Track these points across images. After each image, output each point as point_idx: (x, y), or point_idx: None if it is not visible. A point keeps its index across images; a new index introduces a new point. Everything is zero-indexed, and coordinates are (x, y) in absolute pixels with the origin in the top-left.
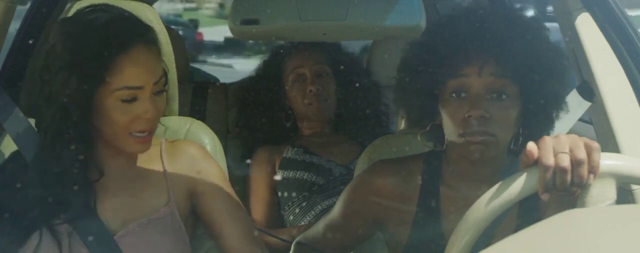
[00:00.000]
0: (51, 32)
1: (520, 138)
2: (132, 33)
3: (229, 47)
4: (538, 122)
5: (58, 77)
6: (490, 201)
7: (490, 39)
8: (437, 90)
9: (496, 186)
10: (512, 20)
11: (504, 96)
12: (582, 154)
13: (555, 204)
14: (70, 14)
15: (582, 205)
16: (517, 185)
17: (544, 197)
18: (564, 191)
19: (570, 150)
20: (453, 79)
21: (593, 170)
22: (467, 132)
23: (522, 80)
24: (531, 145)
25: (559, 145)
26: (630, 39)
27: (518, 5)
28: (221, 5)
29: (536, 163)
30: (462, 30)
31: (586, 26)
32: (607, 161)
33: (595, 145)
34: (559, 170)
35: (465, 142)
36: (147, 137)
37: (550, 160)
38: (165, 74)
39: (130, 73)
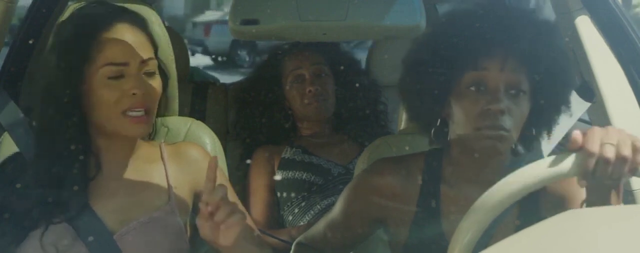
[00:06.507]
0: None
1: (526, 137)
2: (116, 14)
3: None
4: (542, 122)
5: (48, 61)
6: (507, 186)
7: (513, 34)
8: (451, 83)
9: (514, 173)
10: (531, 16)
11: (521, 93)
12: (627, 151)
13: (595, 193)
14: (69, 13)
15: None
16: (550, 168)
17: (581, 183)
18: (600, 181)
19: (617, 145)
20: (473, 72)
21: (633, 170)
22: (484, 125)
23: (536, 78)
24: (577, 133)
25: (606, 136)
26: (630, 39)
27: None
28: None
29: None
30: (484, 24)
31: (586, 26)
32: None
33: None
34: (602, 160)
35: (480, 136)
36: (142, 117)
37: (595, 148)
38: (156, 57)
39: (114, 49)
